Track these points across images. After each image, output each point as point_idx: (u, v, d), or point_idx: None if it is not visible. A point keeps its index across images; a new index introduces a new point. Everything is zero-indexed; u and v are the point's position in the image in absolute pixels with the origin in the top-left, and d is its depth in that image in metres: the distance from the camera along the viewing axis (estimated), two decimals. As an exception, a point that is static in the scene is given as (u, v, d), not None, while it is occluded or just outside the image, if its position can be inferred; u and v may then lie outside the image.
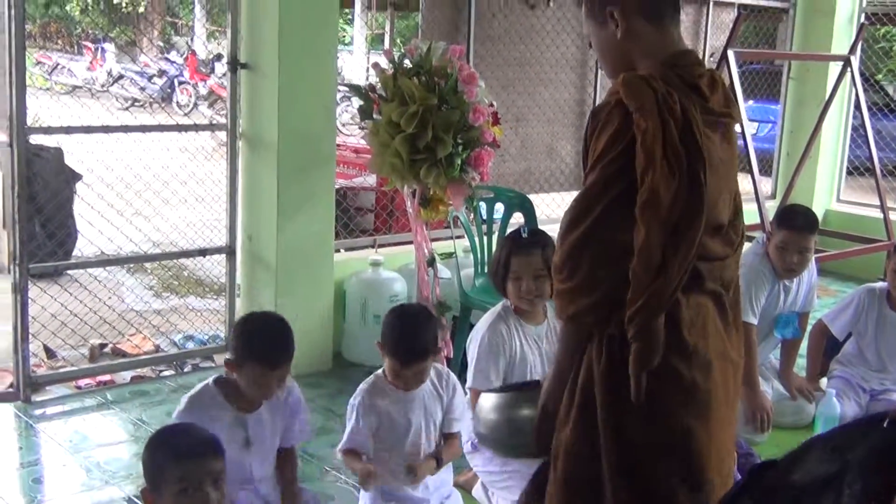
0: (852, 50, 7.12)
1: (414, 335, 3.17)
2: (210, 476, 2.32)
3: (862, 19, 7.81)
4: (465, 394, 3.45)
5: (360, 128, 4.77)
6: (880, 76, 15.01)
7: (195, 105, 16.44)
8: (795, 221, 4.45)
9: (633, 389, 2.07)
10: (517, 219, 5.18)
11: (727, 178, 2.25)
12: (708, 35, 7.32)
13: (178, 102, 16.63)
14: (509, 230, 5.07)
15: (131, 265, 7.27)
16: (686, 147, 2.07)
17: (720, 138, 2.23)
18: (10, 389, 4.67)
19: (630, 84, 2.10)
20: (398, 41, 19.25)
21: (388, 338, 3.18)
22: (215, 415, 2.96)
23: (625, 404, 2.12)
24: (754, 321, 4.37)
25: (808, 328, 4.85)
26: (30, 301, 4.61)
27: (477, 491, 3.70)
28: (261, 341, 2.98)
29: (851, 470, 1.66)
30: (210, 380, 3.08)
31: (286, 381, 3.05)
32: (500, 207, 5.12)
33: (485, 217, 5.05)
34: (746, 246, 4.54)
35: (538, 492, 2.36)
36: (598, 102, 2.24)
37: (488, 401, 2.72)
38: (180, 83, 17.10)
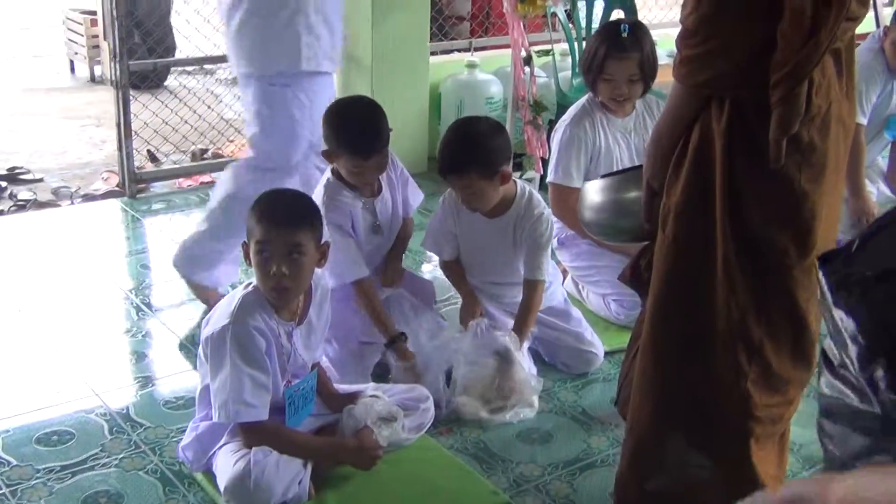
0: None
1: (453, 144, 2.98)
2: (285, 247, 2.33)
3: None
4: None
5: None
6: None
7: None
8: None
9: (773, 153, 2.00)
10: (617, 17, 4.99)
11: None
12: None
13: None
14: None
15: (227, 77, 7.32)
16: None
17: None
18: (117, 188, 4.82)
19: None
20: None
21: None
22: (349, 202, 3.00)
23: (742, 164, 2.05)
24: (864, 121, 4.19)
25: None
26: (133, 109, 4.70)
27: (568, 284, 3.71)
28: (351, 132, 2.94)
29: None
30: (327, 172, 3.09)
31: (386, 166, 3.03)
32: (599, 6, 4.94)
33: (584, 16, 4.89)
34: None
35: (646, 260, 2.34)
36: None
37: (593, 186, 2.67)
38: None
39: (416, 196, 3.26)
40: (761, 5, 1.93)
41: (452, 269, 3.23)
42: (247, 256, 2.40)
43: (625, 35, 3.37)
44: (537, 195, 3.17)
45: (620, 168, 3.44)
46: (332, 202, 3.00)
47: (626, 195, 2.53)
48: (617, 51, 3.36)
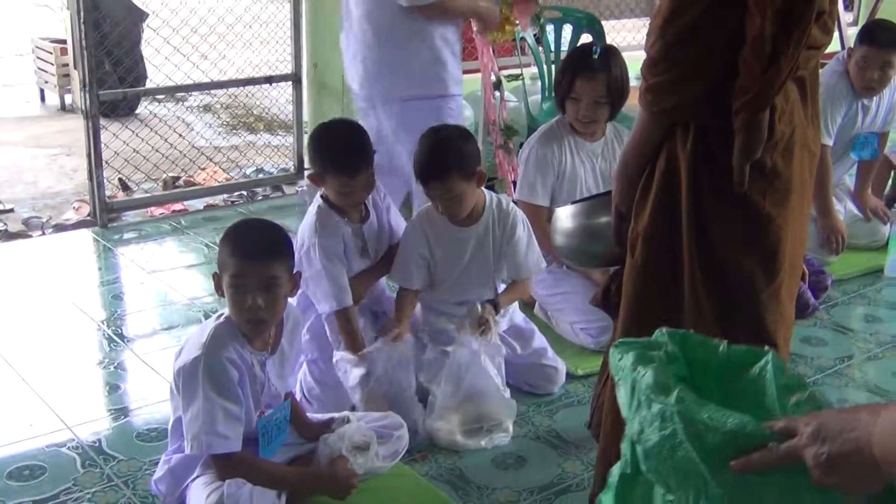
0: None
1: (430, 152, 3.01)
2: (261, 280, 2.32)
3: None
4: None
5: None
6: None
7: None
8: (878, 36, 4.26)
9: (736, 178, 2.03)
10: (586, 41, 5.04)
11: None
12: None
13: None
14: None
15: (198, 105, 7.34)
16: None
17: None
18: (88, 217, 4.80)
19: None
20: None
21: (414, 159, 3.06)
22: (338, 228, 3.00)
23: (708, 190, 2.08)
24: (829, 142, 4.25)
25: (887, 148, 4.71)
26: (104, 138, 4.71)
27: (537, 309, 3.73)
28: (336, 151, 2.96)
29: None
30: (318, 197, 3.08)
31: (373, 185, 3.03)
32: (568, 30, 4.98)
33: (552, 40, 4.93)
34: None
35: (616, 284, 2.36)
36: None
37: (565, 211, 2.69)
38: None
39: (400, 222, 3.26)
40: (724, 34, 1.96)
41: (408, 297, 3.17)
42: (218, 288, 2.40)
43: (595, 56, 3.41)
44: (506, 198, 3.22)
45: (584, 190, 3.48)
46: (325, 228, 3.00)
47: (596, 220, 2.55)
48: (585, 70, 3.40)
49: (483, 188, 3.16)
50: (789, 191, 2.11)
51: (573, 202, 2.84)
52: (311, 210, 3.08)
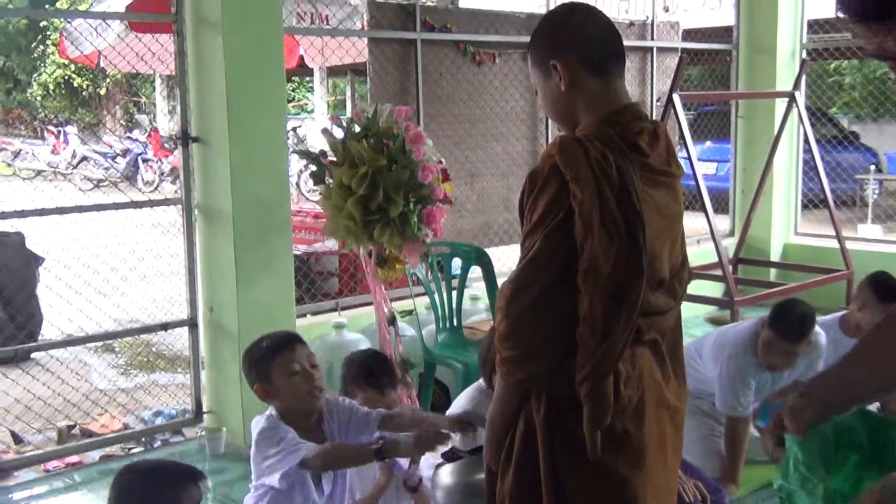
0: (796, 86, 7.25)
1: (379, 366, 3.55)
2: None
3: (803, 55, 7.97)
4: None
5: (319, 194, 4.79)
6: (834, 109, 15.32)
7: (160, 182, 16.47)
8: (787, 329, 4.15)
9: (589, 446, 2.11)
10: (476, 272, 5.22)
11: (670, 231, 2.27)
12: (654, 80, 7.46)
13: (143, 180, 16.65)
14: (468, 283, 5.13)
15: (98, 346, 7.26)
16: (623, 212, 2.09)
17: (663, 192, 2.25)
18: (-23, 478, 4.64)
19: (565, 150, 2.11)
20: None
21: (358, 371, 3.50)
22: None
23: (562, 454, 2.17)
24: (745, 413, 4.26)
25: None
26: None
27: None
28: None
29: None
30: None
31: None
32: (458, 262, 5.17)
33: (443, 272, 5.09)
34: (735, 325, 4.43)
35: None
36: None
37: (445, 469, 2.75)
38: (145, 161, 17.13)
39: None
40: (561, 313, 2.10)
41: None
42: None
43: None
44: None
45: None
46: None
47: (474, 477, 2.61)
48: None
49: None
50: (643, 451, 2.20)
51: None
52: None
